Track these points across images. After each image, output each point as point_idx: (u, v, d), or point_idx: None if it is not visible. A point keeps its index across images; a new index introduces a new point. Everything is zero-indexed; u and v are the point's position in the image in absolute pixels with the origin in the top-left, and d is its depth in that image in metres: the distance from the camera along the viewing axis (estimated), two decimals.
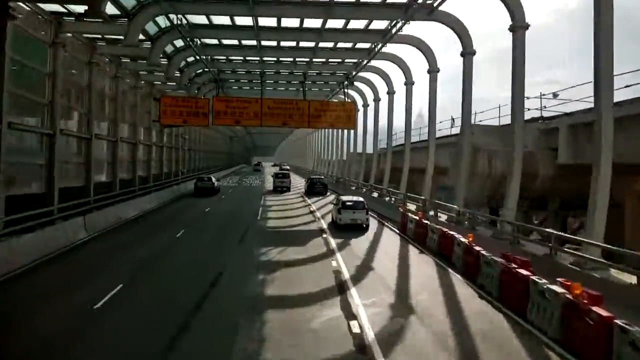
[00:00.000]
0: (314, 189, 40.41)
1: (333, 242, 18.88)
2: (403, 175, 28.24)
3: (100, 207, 22.94)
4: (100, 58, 23.68)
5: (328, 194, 40.17)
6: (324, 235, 20.59)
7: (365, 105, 40.58)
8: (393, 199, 28.48)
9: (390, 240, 20.08)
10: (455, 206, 19.17)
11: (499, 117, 24.31)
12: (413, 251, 17.61)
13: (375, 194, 33.60)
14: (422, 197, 23.38)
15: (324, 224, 23.78)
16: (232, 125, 32.03)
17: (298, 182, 54.56)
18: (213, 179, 41.63)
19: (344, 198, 23.61)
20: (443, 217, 20.72)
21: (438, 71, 24.13)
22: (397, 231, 21.80)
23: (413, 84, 28.26)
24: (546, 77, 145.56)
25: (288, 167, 75.44)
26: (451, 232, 16.14)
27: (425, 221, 18.88)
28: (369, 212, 23.54)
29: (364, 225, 22.38)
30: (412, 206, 24.77)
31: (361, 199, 23.52)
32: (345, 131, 48.62)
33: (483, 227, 17.90)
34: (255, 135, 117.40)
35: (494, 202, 21.43)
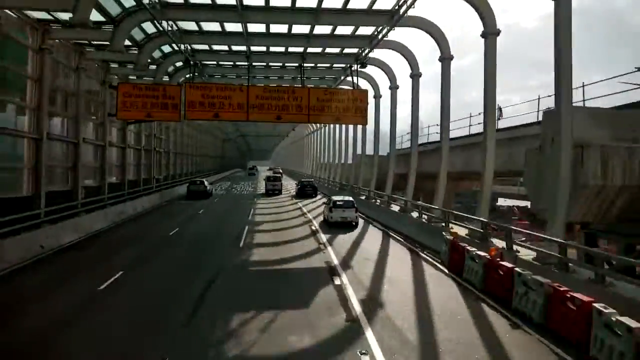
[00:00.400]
0: (305, 191, 42.44)
1: (355, 301, 11.33)
2: (439, 184, 20.49)
3: (15, 232, 15.78)
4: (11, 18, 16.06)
5: (319, 196, 41.45)
6: (337, 282, 13.07)
7: (378, 97, 33.04)
8: (425, 216, 20.81)
9: (446, 292, 12.38)
10: (556, 238, 11.53)
11: (584, 100, 17.01)
12: (497, 322, 10.04)
13: (395, 208, 26.01)
14: (483, 219, 15.63)
15: (334, 257, 16.28)
16: (210, 120, 24.76)
17: (291, 186, 51.37)
18: (205, 183, 42.33)
19: (335, 198, 24.89)
20: (525, 254, 13.09)
21: (498, 33, 16.64)
22: (446, 271, 14.35)
23: (451, 59, 20.74)
24: (541, 81, 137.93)
25: (280, 171, 76.49)
26: (581, 296, 8.68)
27: (508, 264, 11.37)
28: (392, 235, 17.72)
29: (354, 223, 23.45)
30: (459, 229, 17.16)
31: (350, 198, 25.03)
32: (351, 128, 41.34)
33: (616, 279, 10.33)
34: (250, 138, 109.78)
35: (600, 226, 13.90)
